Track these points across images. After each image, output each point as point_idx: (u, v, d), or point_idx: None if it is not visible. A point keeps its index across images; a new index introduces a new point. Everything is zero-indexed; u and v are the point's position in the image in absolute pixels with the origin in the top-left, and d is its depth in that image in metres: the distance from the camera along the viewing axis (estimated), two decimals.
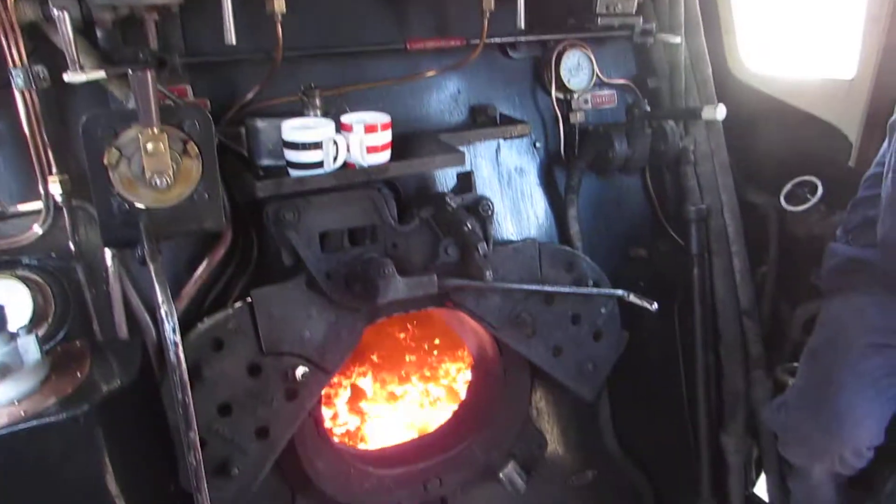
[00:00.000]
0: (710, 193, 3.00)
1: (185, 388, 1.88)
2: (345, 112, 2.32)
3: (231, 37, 2.13)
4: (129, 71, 1.88)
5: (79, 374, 1.93)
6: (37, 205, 2.20)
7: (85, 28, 2.09)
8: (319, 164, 2.21)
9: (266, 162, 2.31)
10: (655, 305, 2.70)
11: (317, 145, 2.18)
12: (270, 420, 2.44)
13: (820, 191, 2.76)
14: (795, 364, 2.65)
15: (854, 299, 2.37)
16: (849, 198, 2.46)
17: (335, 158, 2.23)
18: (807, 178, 2.80)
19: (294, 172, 2.22)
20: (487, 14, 2.45)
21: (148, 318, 2.34)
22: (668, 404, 3.31)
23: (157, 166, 1.99)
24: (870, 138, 2.53)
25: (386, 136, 2.28)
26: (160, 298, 1.84)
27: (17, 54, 2.03)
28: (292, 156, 2.20)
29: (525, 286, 2.71)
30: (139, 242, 2.01)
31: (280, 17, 2.19)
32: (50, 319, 2.25)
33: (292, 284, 2.42)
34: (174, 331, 1.83)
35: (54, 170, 2.16)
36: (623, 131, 2.79)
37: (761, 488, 3.35)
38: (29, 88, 2.06)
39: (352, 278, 2.43)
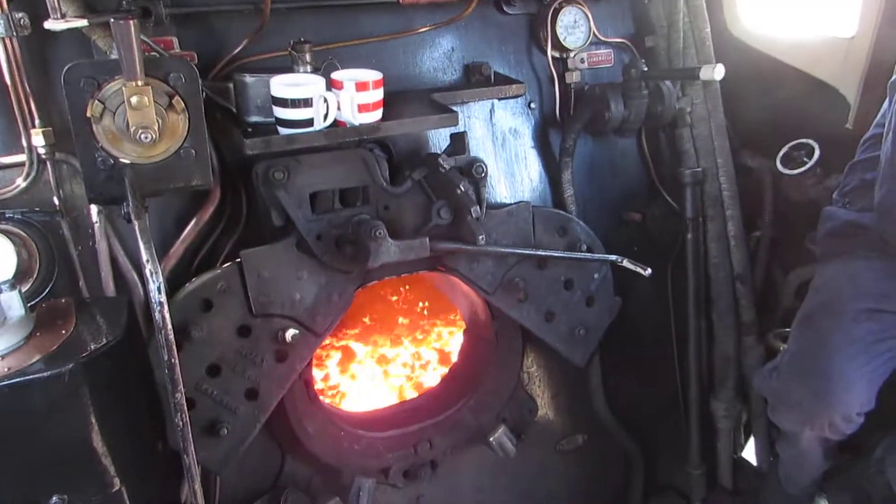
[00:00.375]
0: (705, 156, 2.97)
1: (171, 349, 1.85)
2: (335, 69, 2.26)
3: None
4: (112, 20, 1.81)
5: (64, 332, 1.89)
6: (20, 157, 2.15)
7: None
8: (309, 122, 2.16)
9: (254, 118, 2.25)
10: (649, 271, 2.69)
11: (307, 102, 2.13)
12: (260, 381, 2.43)
13: (817, 154, 2.72)
14: (787, 330, 2.65)
15: (849, 264, 2.35)
16: (846, 160, 2.43)
17: (325, 116, 2.18)
18: (803, 140, 2.77)
19: (283, 130, 2.17)
20: None
21: (135, 277, 2.31)
22: (659, 369, 3.32)
23: (141, 120, 1.93)
24: (869, 99, 2.49)
25: (378, 94, 2.22)
26: (145, 257, 1.81)
27: None
28: (281, 113, 2.15)
29: (518, 250, 2.69)
30: (125, 199, 1.96)
31: None
32: (35, 276, 2.22)
33: (282, 245, 2.39)
34: (159, 290, 1.80)
35: (37, 121, 2.11)
36: (619, 92, 2.73)
37: (749, 452, 3.38)
38: (10, 36, 2.00)
39: (343, 240, 2.41)
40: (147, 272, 1.78)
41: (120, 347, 1.86)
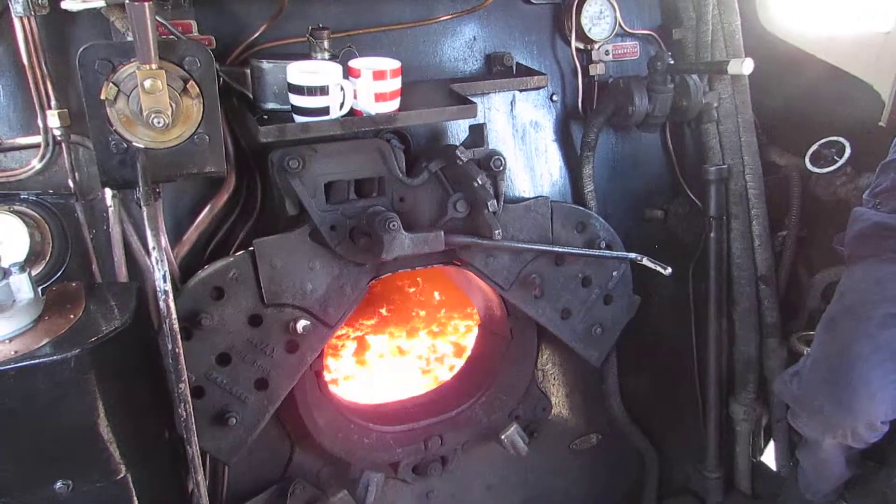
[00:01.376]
0: (731, 153, 2.89)
1: (176, 338, 1.83)
2: (354, 56, 2.23)
3: None
4: (127, 0, 1.78)
5: (73, 316, 1.87)
6: (35, 139, 2.14)
7: None
8: (325, 111, 2.13)
9: (271, 105, 2.23)
10: (669, 270, 2.62)
11: (323, 90, 2.10)
12: (270, 372, 2.41)
13: (848, 152, 2.64)
14: (812, 333, 2.57)
15: (877, 267, 2.27)
16: (878, 160, 2.34)
17: (342, 105, 2.14)
18: (834, 138, 2.68)
19: (299, 118, 2.14)
20: None
21: (148, 262, 2.30)
22: (677, 370, 3.26)
23: (154, 105, 1.92)
24: None
25: (395, 84, 2.18)
26: (151, 244, 1.80)
27: None
28: (297, 100, 2.12)
29: (534, 246, 2.64)
30: (138, 183, 1.94)
31: None
32: (48, 258, 2.21)
33: (295, 235, 2.36)
34: (164, 279, 1.78)
35: (53, 102, 2.10)
36: (644, 85, 2.66)
37: (769, 457, 3.31)
38: (28, 15, 1.98)
39: (357, 231, 2.37)
40: (153, 259, 1.76)
41: (128, 334, 1.85)
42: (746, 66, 2.54)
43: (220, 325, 2.29)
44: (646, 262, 2.65)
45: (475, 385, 3.09)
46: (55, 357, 1.71)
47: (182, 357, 1.82)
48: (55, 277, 2.24)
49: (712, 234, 2.97)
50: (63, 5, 1.93)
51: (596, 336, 2.88)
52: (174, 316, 1.80)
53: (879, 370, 2.20)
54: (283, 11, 2.26)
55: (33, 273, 2.10)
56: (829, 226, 2.66)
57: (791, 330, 3.03)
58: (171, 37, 2.06)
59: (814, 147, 2.74)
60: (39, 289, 1.97)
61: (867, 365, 2.21)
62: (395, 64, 2.16)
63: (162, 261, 1.77)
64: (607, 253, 2.75)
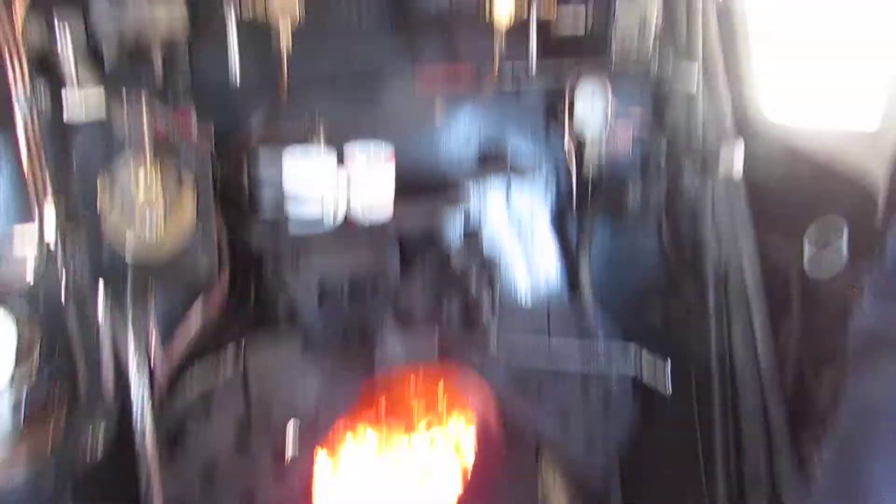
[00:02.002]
0: (728, 247, 2.85)
1: (152, 459, 1.75)
2: (349, 144, 2.25)
3: (236, 78, 2.10)
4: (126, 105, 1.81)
5: (50, 441, 1.78)
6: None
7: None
8: (319, 223, 2.21)
9: (267, 197, 2.21)
10: (669, 390, 2.56)
11: (317, 200, 2.19)
12: (257, 485, 2.31)
13: (845, 249, 2.61)
14: (822, 435, 2.47)
15: (885, 370, 2.19)
16: (875, 255, 2.31)
17: (336, 214, 2.22)
18: (832, 233, 2.66)
19: (294, 223, 2.20)
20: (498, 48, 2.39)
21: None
22: (683, 478, 3.10)
23: (148, 202, 1.92)
24: None
25: (389, 175, 2.26)
26: (132, 355, 1.73)
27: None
28: (293, 207, 2.18)
29: (532, 362, 2.61)
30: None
31: (287, 54, 2.14)
32: (33, 358, 2.11)
33: (286, 337, 2.33)
34: (143, 400, 1.72)
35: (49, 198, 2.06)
36: (639, 174, 2.69)
37: None
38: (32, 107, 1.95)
39: (349, 334, 2.36)
40: (132, 374, 1.70)
41: (110, 460, 1.77)
42: (737, 156, 2.55)
43: (205, 435, 2.22)
44: (644, 372, 2.59)
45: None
46: (32, 485, 1.63)
47: (157, 479, 1.73)
48: (42, 379, 2.13)
49: (712, 331, 2.90)
50: (66, 118, 1.94)
51: (596, 442, 2.80)
52: (150, 435, 1.71)
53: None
54: (279, 108, 2.29)
55: (18, 372, 2.00)
56: (832, 323, 2.60)
57: (801, 433, 2.91)
58: (167, 134, 2.08)
59: (810, 239, 2.72)
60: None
61: (884, 486, 2.10)
62: (388, 152, 2.23)
63: (143, 375, 1.70)
64: (606, 359, 2.72)
